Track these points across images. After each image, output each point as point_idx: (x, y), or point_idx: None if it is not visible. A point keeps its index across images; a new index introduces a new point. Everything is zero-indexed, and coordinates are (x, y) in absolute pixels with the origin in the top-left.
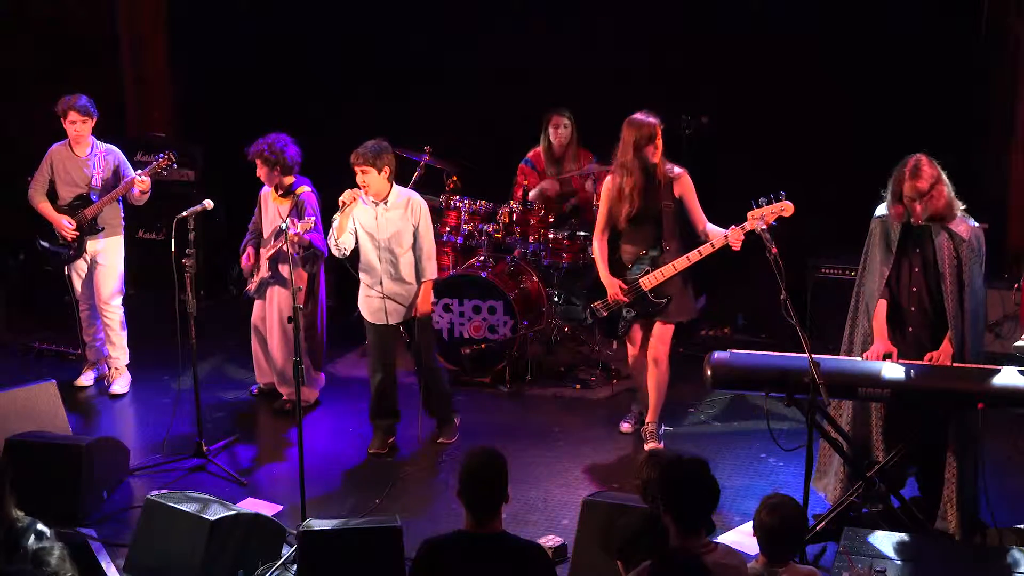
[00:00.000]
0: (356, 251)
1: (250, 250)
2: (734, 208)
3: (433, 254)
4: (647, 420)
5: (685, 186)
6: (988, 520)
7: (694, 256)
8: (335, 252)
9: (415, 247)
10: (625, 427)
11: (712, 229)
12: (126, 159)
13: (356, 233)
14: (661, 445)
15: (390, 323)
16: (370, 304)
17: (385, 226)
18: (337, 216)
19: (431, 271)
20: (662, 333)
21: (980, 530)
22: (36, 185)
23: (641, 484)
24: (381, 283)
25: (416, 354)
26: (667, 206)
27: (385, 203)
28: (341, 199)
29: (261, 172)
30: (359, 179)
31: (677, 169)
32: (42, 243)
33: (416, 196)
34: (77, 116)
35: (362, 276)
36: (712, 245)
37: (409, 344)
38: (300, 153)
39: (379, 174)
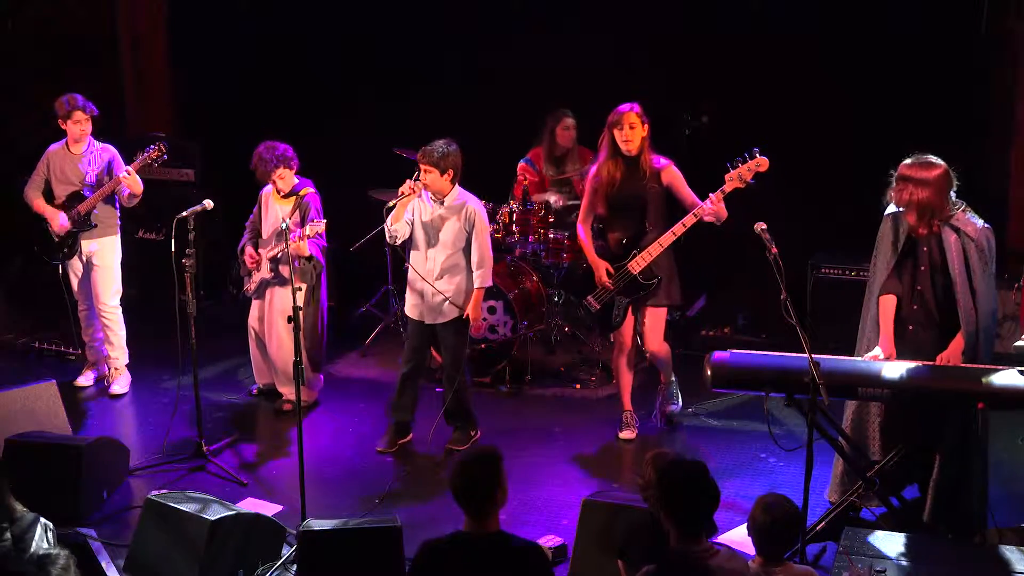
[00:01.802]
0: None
1: (250, 250)
2: (734, 208)
3: (486, 263)
4: (662, 381)
5: (673, 175)
6: (988, 520)
7: (679, 229)
8: (388, 239)
9: (467, 252)
10: (626, 434)
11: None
12: (120, 158)
13: (412, 224)
14: (680, 404)
15: (425, 321)
16: (410, 297)
17: (438, 225)
18: (392, 203)
19: (482, 279)
20: (655, 321)
21: (980, 530)
22: (32, 184)
23: (643, 485)
24: (422, 279)
25: (444, 358)
26: (652, 188)
27: (442, 203)
28: (401, 189)
29: (285, 181)
30: (421, 176)
31: (663, 160)
32: (37, 247)
33: (475, 202)
34: (82, 116)
35: (410, 269)
36: (695, 215)
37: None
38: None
39: (441, 175)
